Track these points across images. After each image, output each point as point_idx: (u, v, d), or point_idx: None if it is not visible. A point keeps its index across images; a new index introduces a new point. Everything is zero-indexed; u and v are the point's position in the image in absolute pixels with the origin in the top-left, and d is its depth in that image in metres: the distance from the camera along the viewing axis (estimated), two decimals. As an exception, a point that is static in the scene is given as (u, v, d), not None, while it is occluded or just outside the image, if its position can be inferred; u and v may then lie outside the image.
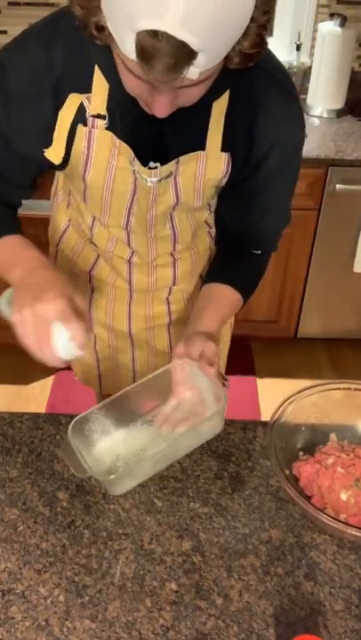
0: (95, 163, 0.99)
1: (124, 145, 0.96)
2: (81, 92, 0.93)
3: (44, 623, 0.83)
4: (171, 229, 1.14)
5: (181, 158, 0.98)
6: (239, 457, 1.05)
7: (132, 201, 1.05)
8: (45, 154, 0.99)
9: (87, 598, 0.86)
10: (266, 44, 0.77)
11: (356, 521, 0.91)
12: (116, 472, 0.96)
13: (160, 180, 1.00)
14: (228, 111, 0.96)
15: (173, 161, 0.98)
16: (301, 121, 1.01)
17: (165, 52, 0.66)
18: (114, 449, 1.00)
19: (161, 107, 0.78)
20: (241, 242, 1.16)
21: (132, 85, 0.78)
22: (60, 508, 0.97)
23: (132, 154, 0.97)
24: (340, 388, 1.08)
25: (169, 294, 1.30)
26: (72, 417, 1.11)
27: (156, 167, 0.98)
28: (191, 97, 0.79)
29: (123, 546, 0.92)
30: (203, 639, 0.82)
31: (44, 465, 1.04)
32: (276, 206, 1.11)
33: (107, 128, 0.95)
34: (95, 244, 1.21)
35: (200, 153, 0.98)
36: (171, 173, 1.00)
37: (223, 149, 0.99)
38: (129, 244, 1.16)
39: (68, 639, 0.81)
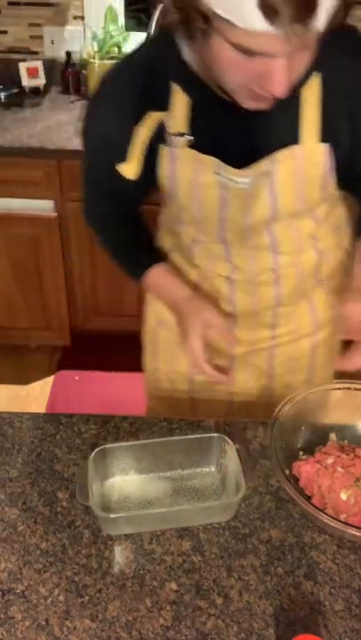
0: (180, 182, 1.00)
1: (209, 158, 0.95)
2: (160, 111, 0.94)
3: (44, 623, 0.83)
4: (269, 237, 1.07)
5: (274, 155, 0.93)
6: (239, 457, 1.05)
7: (224, 212, 1.02)
8: (121, 169, 1.01)
9: (87, 598, 0.86)
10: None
11: (357, 521, 0.91)
12: (116, 512, 0.96)
13: (253, 181, 0.96)
14: (323, 99, 0.91)
15: (265, 159, 0.94)
16: None
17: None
18: (124, 490, 1.00)
19: (280, 81, 0.74)
20: None
21: (242, 74, 0.76)
22: (60, 508, 0.97)
23: (217, 164, 0.95)
24: (340, 388, 1.08)
25: (274, 318, 1.22)
26: (72, 417, 1.11)
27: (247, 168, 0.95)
28: (302, 65, 0.76)
29: (123, 546, 0.92)
30: (203, 639, 0.82)
31: (44, 465, 1.04)
32: None
33: (189, 145, 0.95)
34: (196, 265, 1.18)
35: (295, 147, 0.93)
36: (265, 172, 0.95)
37: (322, 140, 0.94)
38: (228, 259, 1.12)
39: (68, 639, 0.81)
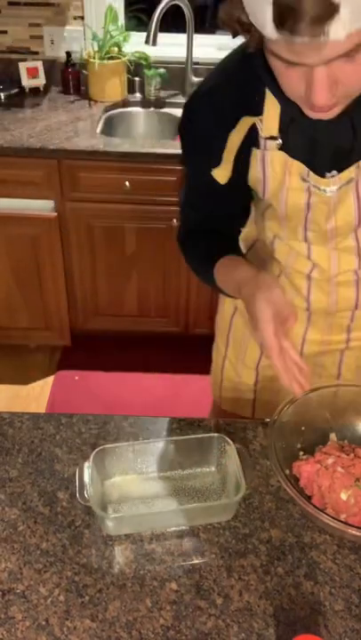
0: (271, 184, 1.01)
1: (296, 163, 0.96)
2: (253, 115, 0.95)
3: (44, 623, 0.83)
4: (355, 241, 1.06)
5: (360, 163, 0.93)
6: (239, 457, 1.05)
7: (308, 216, 1.03)
8: (213, 173, 1.02)
9: (87, 598, 0.86)
10: None
11: (357, 521, 0.91)
12: (116, 512, 0.96)
13: (340, 188, 0.97)
14: None
15: (353, 166, 0.94)
16: None
17: (304, 8, 0.65)
18: (124, 490, 1.00)
19: (320, 91, 0.75)
20: None
21: (291, 83, 0.78)
22: (60, 508, 0.97)
23: (305, 170, 0.96)
24: (340, 387, 1.08)
25: (351, 321, 1.19)
26: (72, 417, 1.11)
27: (333, 176, 0.96)
28: (351, 77, 0.75)
29: (123, 546, 0.92)
30: (203, 639, 0.82)
31: (44, 465, 1.04)
32: None
33: (279, 149, 0.96)
34: (276, 259, 1.17)
35: None
36: (351, 179, 0.96)
37: None
38: (309, 257, 1.11)
39: (68, 639, 0.81)
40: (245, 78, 0.93)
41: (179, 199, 1.17)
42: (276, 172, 0.99)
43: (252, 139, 0.97)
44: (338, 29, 0.67)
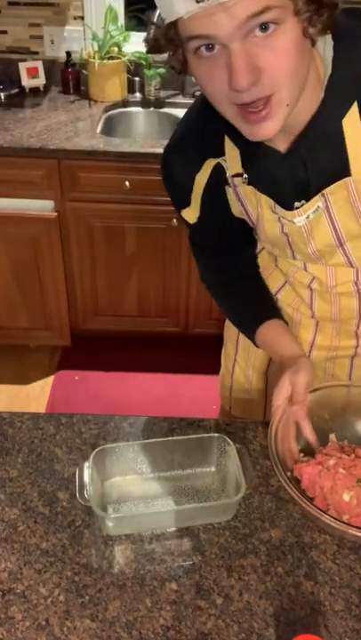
0: (250, 214, 1.05)
1: (264, 197, 0.98)
2: (216, 157, 0.99)
3: (44, 623, 0.83)
4: (344, 256, 1.04)
5: (326, 190, 0.93)
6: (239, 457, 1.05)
7: (290, 241, 1.04)
8: (182, 213, 1.10)
9: (87, 598, 0.86)
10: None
11: (360, 522, 0.91)
12: (116, 512, 0.96)
13: (308, 217, 0.97)
14: None
15: (318, 195, 0.94)
16: None
17: None
18: (124, 490, 1.00)
19: (239, 70, 0.73)
20: None
21: (215, 83, 0.77)
22: (60, 508, 0.97)
23: (271, 202, 0.98)
24: (339, 387, 1.08)
25: (358, 327, 1.18)
26: (72, 417, 1.11)
27: (300, 206, 0.97)
28: (271, 62, 0.74)
29: (123, 546, 0.92)
30: (203, 639, 0.82)
31: (44, 465, 1.04)
32: None
33: (248, 184, 0.99)
34: (280, 269, 1.20)
35: (347, 180, 0.92)
36: (318, 208, 0.96)
37: None
38: (306, 270, 1.11)
39: (68, 639, 0.81)
40: (205, 124, 0.97)
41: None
42: (251, 203, 1.02)
43: (221, 178, 1.01)
44: None
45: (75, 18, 2.53)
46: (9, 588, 0.87)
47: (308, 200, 0.95)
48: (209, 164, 1.01)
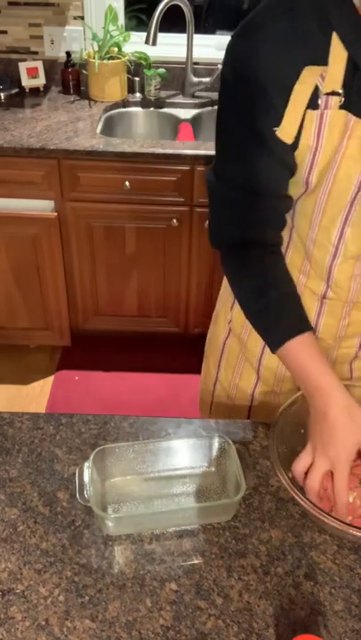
0: (323, 153, 0.85)
1: (360, 123, 0.82)
2: (320, 65, 0.80)
3: (44, 623, 0.83)
4: None
5: None
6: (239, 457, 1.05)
7: (353, 202, 0.88)
8: (277, 133, 0.84)
9: (87, 598, 0.86)
10: None
11: None
12: (116, 512, 0.96)
13: None
14: None
15: None
16: None
17: None
18: (124, 490, 0.99)
19: None
20: None
21: None
22: (60, 508, 0.97)
23: None
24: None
25: (355, 357, 1.10)
26: (72, 417, 1.11)
27: None
28: None
29: (123, 546, 0.92)
30: (203, 639, 0.82)
31: (44, 465, 1.04)
32: None
33: (341, 107, 0.82)
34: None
35: None
36: None
37: None
38: (329, 275, 0.99)
39: (67, 639, 0.81)
40: (313, 18, 0.77)
41: (208, 191, 0.99)
42: (333, 136, 0.84)
43: (313, 101, 0.83)
44: None
45: (75, 18, 2.54)
46: (9, 588, 0.87)
47: None
48: (311, 74, 0.80)
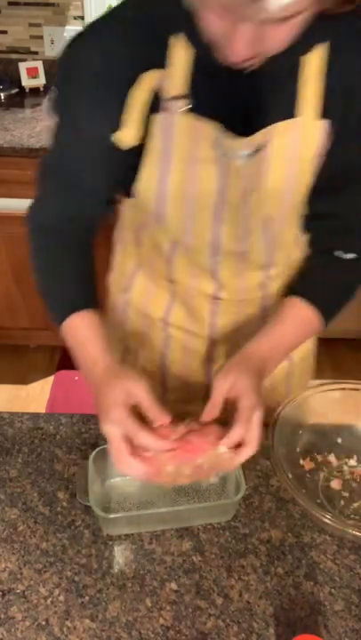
0: (174, 160, 0.86)
1: (209, 124, 0.82)
2: (157, 68, 0.81)
3: (44, 623, 0.83)
4: (264, 241, 0.95)
5: (272, 127, 0.83)
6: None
7: (221, 197, 0.89)
8: (113, 138, 0.86)
9: (87, 598, 0.86)
10: None
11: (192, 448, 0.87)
12: (116, 512, 0.96)
13: (250, 155, 0.84)
14: (327, 71, 0.81)
15: (264, 130, 0.83)
16: None
17: None
18: (124, 490, 0.99)
19: (237, 46, 0.66)
20: (331, 242, 0.99)
21: (213, 22, 0.67)
22: (60, 508, 0.97)
23: (217, 129, 0.83)
24: (337, 389, 1.08)
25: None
26: (72, 417, 1.11)
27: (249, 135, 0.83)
28: (275, 41, 0.67)
29: (123, 546, 0.92)
30: (203, 639, 0.82)
31: (44, 465, 1.04)
32: None
33: (191, 109, 0.82)
34: (175, 281, 1.06)
35: (294, 121, 0.82)
36: (260, 146, 0.84)
37: (321, 117, 0.83)
38: (215, 273, 1.01)
39: (68, 639, 0.81)
40: (145, 26, 0.79)
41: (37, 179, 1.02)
42: (184, 141, 0.84)
43: (153, 104, 0.84)
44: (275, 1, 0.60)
45: (75, 18, 2.54)
46: (9, 588, 0.87)
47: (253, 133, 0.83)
48: (148, 79, 0.81)
